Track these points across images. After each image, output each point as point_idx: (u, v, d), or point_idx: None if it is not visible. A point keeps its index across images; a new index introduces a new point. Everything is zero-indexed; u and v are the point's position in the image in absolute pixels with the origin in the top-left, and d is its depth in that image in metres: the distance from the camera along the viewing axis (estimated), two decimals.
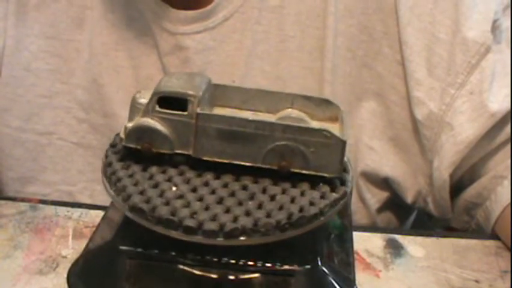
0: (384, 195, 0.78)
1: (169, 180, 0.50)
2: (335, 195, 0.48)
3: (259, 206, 0.47)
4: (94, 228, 0.55)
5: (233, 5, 0.72)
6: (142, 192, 0.48)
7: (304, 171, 0.49)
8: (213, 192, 0.49)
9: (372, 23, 0.71)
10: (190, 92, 0.50)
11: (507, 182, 0.67)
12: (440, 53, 0.68)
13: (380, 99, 0.73)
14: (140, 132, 0.50)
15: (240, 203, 0.47)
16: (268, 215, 0.46)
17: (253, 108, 0.54)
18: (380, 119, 0.74)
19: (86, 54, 0.76)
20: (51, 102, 0.78)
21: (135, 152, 0.51)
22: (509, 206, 0.66)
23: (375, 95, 0.73)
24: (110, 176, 0.51)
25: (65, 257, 0.61)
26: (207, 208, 0.47)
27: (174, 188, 0.49)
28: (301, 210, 0.46)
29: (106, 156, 0.53)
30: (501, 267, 0.61)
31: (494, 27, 0.67)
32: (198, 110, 0.49)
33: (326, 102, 0.53)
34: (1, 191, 0.82)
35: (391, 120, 0.73)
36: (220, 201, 0.48)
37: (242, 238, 0.45)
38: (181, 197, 0.48)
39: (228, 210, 0.47)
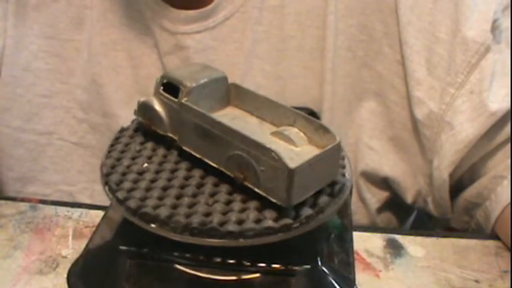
0: (384, 195, 0.78)
1: (150, 157, 0.53)
2: (270, 224, 0.46)
3: (190, 205, 0.47)
4: (94, 228, 0.55)
5: (233, 4, 0.72)
6: (118, 159, 0.52)
7: (256, 189, 0.47)
8: (170, 179, 0.50)
9: (372, 23, 0.71)
10: (183, 82, 0.51)
11: (507, 182, 0.67)
12: (440, 52, 0.68)
13: (380, 99, 0.73)
14: (144, 109, 0.54)
15: (179, 197, 0.48)
16: (187, 216, 0.46)
17: (261, 117, 0.55)
18: (380, 118, 0.74)
19: (85, 54, 0.76)
20: (51, 102, 0.78)
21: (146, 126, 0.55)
22: (509, 206, 0.66)
23: (375, 95, 0.73)
24: (114, 138, 0.55)
25: (65, 257, 0.61)
26: (148, 189, 0.49)
27: (145, 165, 0.51)
28: (221, 224, 0.46)
29: (132, 122, 0.58)
30: (501, 267, 0.61)
31: (494, 27, 0.67)
32: (183, 100, 0.51)
33: (324, 129, 0.50)
34: (1, 191, 0.82)
35: (391, 120, 0.73)
36: (165, 188, 0.49)
37: (153, 225, 0.46)
38: (140, 173, 0.50)
39: (160, 198, 0.48)
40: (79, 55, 0.77)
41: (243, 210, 0.47)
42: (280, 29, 0.73)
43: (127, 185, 0.49)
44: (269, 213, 0.47)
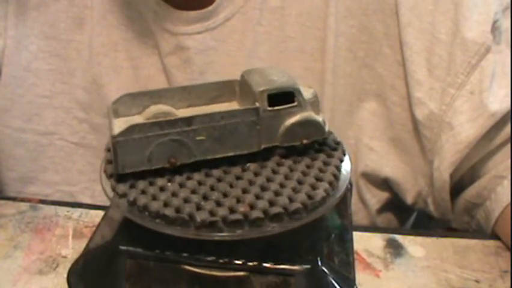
0: (384, 195, 0.78)
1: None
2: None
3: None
4: (94, 228, 0.55)
5: (234, 5, 0.72)
6: None
7: None
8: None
9: (372, 24, 0.71)
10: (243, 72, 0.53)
11: (507, 182, 0.67)
12: (440, 53, 0.68)
13: (381, 100, 0.73)
14: None
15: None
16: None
17: None
18: (380, 119, 0.74)
19: (86, 55, 0.76)
20: (51, 103, 0.78)
21: None
22: (509, 206, 0.66)
23: (375, 96, 0.73)
24: None
25: (65, 257, 0.62)
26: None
27: None
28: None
29: None
30: (501, 267, 0.61)
31: (494, 27, 0.67)
32: None
33: None
34: (2, 191, 0.82)
35: (391, 121, 0.73)
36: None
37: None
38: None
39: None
40: (80, 55, 0.77)
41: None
42: (281, 30, 0.73)
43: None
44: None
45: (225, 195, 0.47)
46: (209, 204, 0.46)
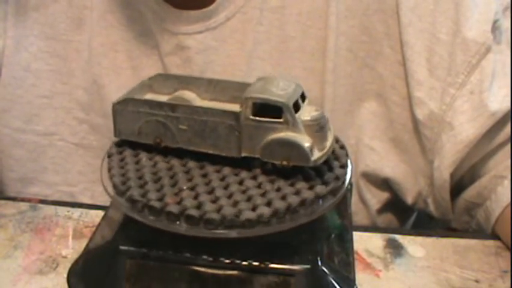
0: (384, 196, 0.77)
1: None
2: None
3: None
4: (94, 228, 0.55)
5: (235, 5, 0.72)
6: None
7: None
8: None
9: (373, 24, 0.71)
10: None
11: (507, 182, 0.67)
12: (440, 53, 0.68)
13: (381, 100, 0.73)
14: None
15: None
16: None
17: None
18: (380, 119, 0.74)
19: (85, 55, 0.76)
20: (51, 103, 0.78)
21: None
22: (510, 206, 0.66)
23: (376, 96, 0.73)
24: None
25: (65, 257, 0.62)
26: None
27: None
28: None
29: None
30: (501, 267, 0.61)
31: (495, 27, 0.67)
32: None
33: None
34: (2, 191, 0.82)
35: (392, 121, 0.73)
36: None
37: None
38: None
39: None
40: (79, 56, 0.77)
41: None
42: (282, 30, 0.73)
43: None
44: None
45: (174, 184, 0.48)
46: (150, 187, 0.48)
